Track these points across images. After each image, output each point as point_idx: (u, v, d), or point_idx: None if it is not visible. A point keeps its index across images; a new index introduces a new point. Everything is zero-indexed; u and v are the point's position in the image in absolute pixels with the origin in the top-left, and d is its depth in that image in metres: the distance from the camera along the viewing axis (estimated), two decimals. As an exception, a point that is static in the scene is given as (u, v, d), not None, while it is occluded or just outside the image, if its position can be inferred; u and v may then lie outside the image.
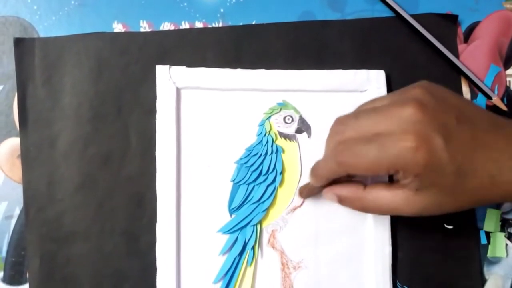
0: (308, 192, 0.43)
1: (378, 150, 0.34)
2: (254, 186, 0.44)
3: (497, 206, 0.46)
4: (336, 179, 0.39)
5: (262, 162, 0.44)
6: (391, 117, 0.34)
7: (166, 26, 0.46)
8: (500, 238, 0.46)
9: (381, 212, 0.38)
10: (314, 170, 0.40)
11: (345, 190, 0.39)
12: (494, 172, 0.34)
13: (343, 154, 0.35)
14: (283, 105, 0.45)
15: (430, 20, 0.47)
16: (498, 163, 0.34)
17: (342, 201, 0.39)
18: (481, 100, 0.47)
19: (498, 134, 0.35)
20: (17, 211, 0.44)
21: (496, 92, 0.47)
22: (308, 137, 0.45)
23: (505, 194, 0.35)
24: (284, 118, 0.45)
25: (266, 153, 0.44)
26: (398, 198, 0.36)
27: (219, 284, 0.43)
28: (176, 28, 0.46)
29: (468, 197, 0.35)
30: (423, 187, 0.34)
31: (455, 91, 0.46)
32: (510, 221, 0.46)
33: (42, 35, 0.46)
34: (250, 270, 0.43)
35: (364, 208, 0.38)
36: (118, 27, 0.46)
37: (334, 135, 0.37)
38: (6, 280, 0.44)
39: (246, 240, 0.43)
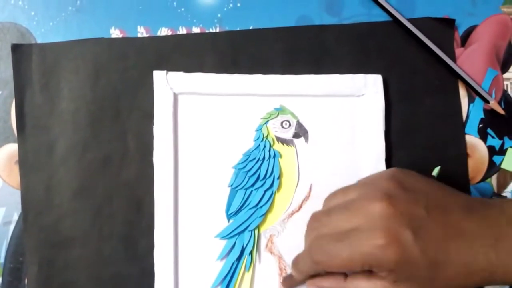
0: (292, 285, 0.42)
1: (349, 249, 0.34)
2: (251, 191, 0.44)
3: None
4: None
5: (259, 167, 0.44)
6: (360, 213, 0.35)
7: (164, 31, 0.47)
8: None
9: None
10: (295, 265, 0.40)
11: (326, 283, 0.39)
12: (469, 260, 0.34)
13: (317, 252, 0.36)
14: (280, 110, 0.45)
15: (427, 24, 0.47)
16: (472, 250, 0.34)
17: None
18: (478, 104, 0.47)
19: (471, 220, 0.35)
20: (15, 217, 0.44)
21: (493, 96, 0.47)
22: (306, 141, 0.45)
23: (482, 280, 0.35)
24: (282, 123, 0.45)
25: (264, 158, 0.44)
26: None
27: (217, 289, 0.43)
28: (173, 34, 0.47)
29: (445, 286, 0.35)
30: (399, 280, 0.34)
31: (452, 95, 0.47)
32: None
33: (39, 41, 0.46)
34: (248, 275, 0.43)
35: None
36: (115, 33, 0.46)
37: (310, 232, 0.38)
38: (4, 286, 0.44)
39: (244, 245, 0.43)
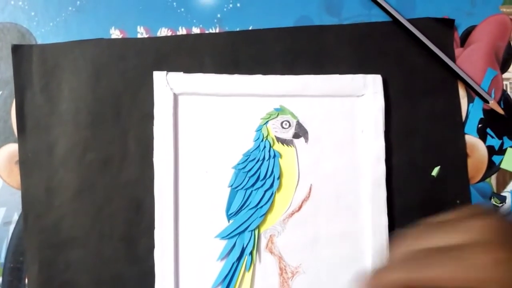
0: None
1: (457, 261, 0.29)
2: (251, 191, 0.44)
3: (495, 209, 0.46)
4: None
5: (259, 167, 0.44)
6: (467, 227, 0.31)
7: (163, 32, 0.47)
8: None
9: None
10: (376, 281, 0.33)
11: None
12: None
13: (416, 264, 0.31)
14: (280, 110, 0.45)
15: (427, 24, 0.47)
16: None
17: None
18: (478, 104, 0.47)
19: None
20: (15, 217, 0.44)
21: (493, 95, 0.47)
22: (306, 142, 0.45)
23: None
24: (281, 123, 0.45)
25: (264, 158, 0.45)
26: None
27: (217, 289, 0.43)
28: (173, 34, 0.47)
29: None
30: None
31: (452, 95, 0.47)
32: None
33: (39, 41, 0.46)
34: (248, 275, 0.44)
35: None
36: (115, 33, 0.46)
37: (400, 247, 0.33)
38: (4, 286, 0.44)
39: (244, 245, 0.43)
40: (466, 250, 0.29)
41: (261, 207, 0.44)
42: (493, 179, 0.47)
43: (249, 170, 0.44)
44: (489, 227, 0.30)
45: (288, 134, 0.45)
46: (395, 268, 0.32)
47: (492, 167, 0.47)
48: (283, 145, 0.45)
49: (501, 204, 0.47)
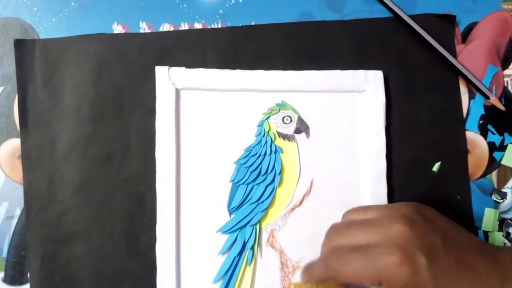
0: None
1: (363, 260, 0.35)
2: (253, 186, 0.44)
3: (495, 205, 0.46)
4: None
5: (261, 162, 0.45)
6: (380, 230, 0.36)
7: (166, 27, 0.47)
8: (498, 238, 0.46)
9: None
10: (308, 268, 0.40)
11: None
12: None
13: (332, 259, 0.37)
14: (281, 106, 0.45)
15: (428, 20, 0.47)
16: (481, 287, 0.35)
17: None
18: (479, 100, 0.47)
19: (484, 260, 0.36)
20: (17, 212, 0.45)
21: (494, 92, 0.47)
22: (307, 137, 0.45)
23: None
24: (283, 118, 0.45)
25: (265, 153, 0.45)
26: None
27: (219, 283, 0.43)
28: (176, 29, 0.47)
29: None
30: None
31: (453, 91, 0.47)
32: (508, 220, 0.46)
33: (42, 36, 0.46)
34: (249, 269, 0.44)
35: None
36: (117, 29, 0.47)
37: (327, 241, 0.39)
38: (7, 280, 0.44)
39: (246, 240, 0.44)
40: (371, 251, 0.35)
41: (263, 202, 0.44)
42: (493, 175, 0.47)
43: (251, 165, 0.44)
44: (396, 231, 0.35)
45: (289, 129, 0.45)
46: (320, 263, 0.38)
47: (493, 163, 0.47)
48: (284, 140, 0.45)
49: (502, 200, 0.47)
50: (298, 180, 0.45)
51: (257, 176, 0.44)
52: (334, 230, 0.39)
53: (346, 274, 0.36)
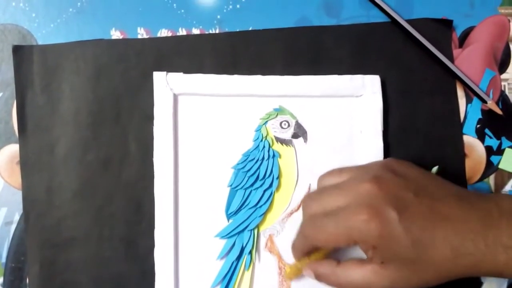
0: (294, 271, 0.42)
1: (335, 223, 0.36)
2: (251, 191, 0.44)
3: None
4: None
5: (259, 167, 0.45)
6: (349, 192, 0.37)
7: (164, 33, 0.47)
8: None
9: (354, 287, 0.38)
10: (292, 246, 0.42)
11: (320, 267, 0.40)
12: (456, 243, 0.34)
13: (308, 227, 0.38)
14: (279, 111, 0.46)
15: (425, 25, 0.47)
16: (459, 234, 0.35)
17: (318, 277, 0.40)
18: (476, 104, 0.47)
19: (460, 206, 0.36)
20: (16, 217, 0.45)
21: (491, 96, 0.48)
22: (305, 142, 0.46)
23: (471, 266, 0.35)
24: (281, 123, 0.45)
25: (263, 158, 0.45)
26: (368, 271, 0.37)
27: (217, 288, 0.44)
28: (173, 35, 0.47)
29: (433, 271, 0.35)
30: (386, 259, 0.36)
31: (450, 96, 0.47)
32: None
33: (40, 42, 0.46)
34: (247, 274, 0.44)
35: (338, 283, 0.39)
36: (115, 34, 0.47)
37: (304, 210, 0.40)
38: (6, 285, 0.44)
39: (244, 245, 0.44)
40: (342, 213, 0.36)
41: (260, 206, 0.44)
42: (491, 179, 0.47)
43: (249, 170, 0.45)
44: (364, 191, 0.36)
45: (287, 134, 0.45)
46: (299, 234, 0.40)
47: (490, 167, 0.47)
48: (282, 145, 0.45)
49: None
50: (296, 185, 0.45)
51: (255, 181, 0.44)
52: (308, 198, 0.40)
53: (322, 239, 0.37)
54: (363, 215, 0.35)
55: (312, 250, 0.40)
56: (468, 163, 0.47)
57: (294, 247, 0.41)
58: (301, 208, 0.44)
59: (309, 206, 0.39)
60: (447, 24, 0.48)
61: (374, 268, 0.36)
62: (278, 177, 0.45)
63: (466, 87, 0.47)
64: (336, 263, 0.39)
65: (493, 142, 0.47)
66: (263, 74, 0.45)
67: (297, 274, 0.42)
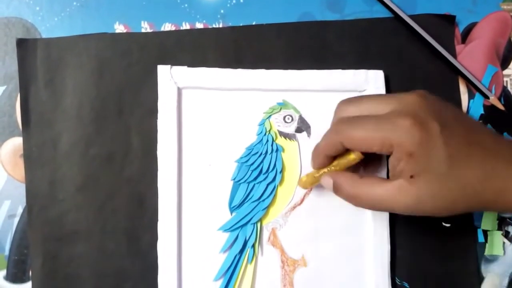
0: (310, 180, 0.41)
1: (375, 123, 0.36)
2: (254, 184, 0.45)
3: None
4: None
5: (262, 161, 0.45)
6: (393, 100, 0.37)
7: (167, 27, 0.47)
8: (497, 237, 0.46)
9: (374, 204, 0.37)
10: (315, 150, 0.41)
11: (341, 176, 0.39)
12: (488, 166, 0.35)
13: (342, 124, 0.37)
14: (283, 105, 0.46)
15: (428, 20, 0.48)
16: (493, 159, 0.35)
17: (337, 187, 0.38)
18: (478, 99, 0.47)
19: (494, 138, 0.37)
20: (19, 210, 0.45)
21: (493, 92, 0.48)
22: (308, 136, 0.46)
23: (495, 194, 0.35)
24: (284, 117, 0.46)
25: (266, 152, 0.45)
26: (393, 187, 0.36)
27: (220, 281, 0.44)
28: (177, 29, 0.47)
29: (461, 190, 0.35)
30: (417, 172, 0.35)
31: (452, 91, 0.47)
32: (507, 219, 0.47)
33: (44, 36, 0.46)
34: (250, 267, 0.44)
35: (358, 196, 0.37)
36: (119, 28, 0.47)
37: (337, 113, 0.39)
38: (9, 278, 0.44)
39: (247, 238, 0.44)
40: (384, 117, 0.36)
41: (264, 200, 0.44)
42: (493, 174, 0.47)
43: (252, 164, 0.45)
44: (410, 100, 0.36)
45: (290, 129, 0.46)
46: (329, 131, 0.39)
47: (492, 163, 0.47)
48: (285, 139, 0.45)
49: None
50: (299, 179, 0.45)
51: (258, 175, 0.45)
52: (346, 101, 0.39)
53: (356, 137, 0.36)
54: (407, 120, 0.34)
55: (336, 155, 0.39)
56: (470, 158, 0.47)
57: (319, 147, 0.40)
58: (304, 202, 0.45)
59: (346, 109, 0.38)
60: (450, 20, 0.48)
61: (401, 184, 0.35)
62: (282, 171, 0.45)
63: (469, 82, 0.47)
64: (358, 176, 0.38)
65: (495, 138, 0.47)
66: (267, 68, 0.45)
67: (313, 183, 0.41)
